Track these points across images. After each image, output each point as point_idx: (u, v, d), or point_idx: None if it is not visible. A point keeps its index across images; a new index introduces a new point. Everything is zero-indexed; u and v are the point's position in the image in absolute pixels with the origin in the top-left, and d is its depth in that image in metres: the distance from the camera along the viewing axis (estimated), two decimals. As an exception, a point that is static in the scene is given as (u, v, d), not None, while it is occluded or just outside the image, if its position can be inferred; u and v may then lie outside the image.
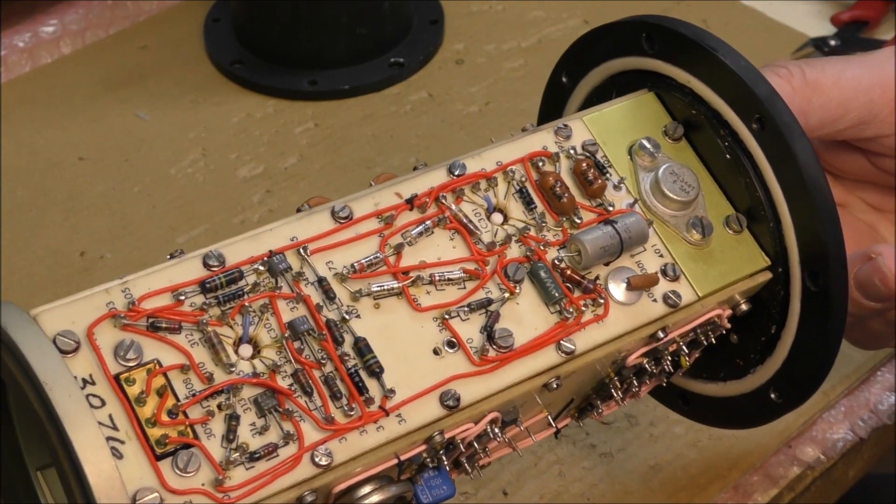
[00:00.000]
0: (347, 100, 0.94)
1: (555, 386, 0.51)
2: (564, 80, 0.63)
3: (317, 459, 0.46)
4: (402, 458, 0.48)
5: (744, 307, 0.56)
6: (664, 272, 0.54)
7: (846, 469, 0.72)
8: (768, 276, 0.55)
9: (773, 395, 0.57)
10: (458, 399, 0.49)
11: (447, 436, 0.49)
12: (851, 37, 0.96)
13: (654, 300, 0.53)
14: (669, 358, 0.56)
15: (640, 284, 0.53)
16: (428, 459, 0.50)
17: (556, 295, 0.52)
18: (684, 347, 0.55)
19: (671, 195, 0.55)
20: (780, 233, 0.54)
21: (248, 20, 0.98)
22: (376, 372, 0.49)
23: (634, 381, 0.56)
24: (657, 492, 0.69)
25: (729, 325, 0.56)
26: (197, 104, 0.95)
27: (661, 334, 0.53)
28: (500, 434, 0.51)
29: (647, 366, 0.55)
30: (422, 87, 0.95)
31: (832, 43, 0.95)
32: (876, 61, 0.61)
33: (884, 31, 0.98)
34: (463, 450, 0.51)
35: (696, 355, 0.58)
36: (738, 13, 1.00)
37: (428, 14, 1.00)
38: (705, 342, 0.56)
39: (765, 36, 0.98)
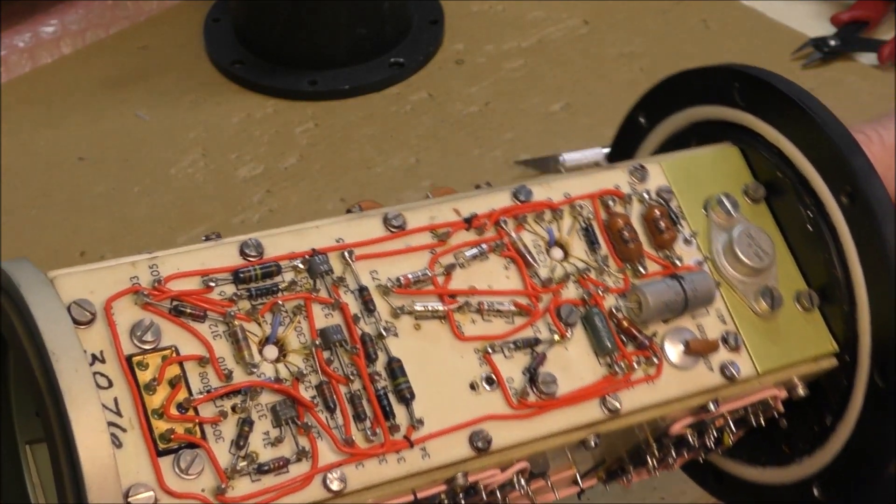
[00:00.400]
0: (347, 100, 0.94)
1: (593, 444, 0.48)
2: (642, 120, 0.59)
3: (329, 483, 0.43)
4: (420, 496, 0.45)
5: (801, 391, 0.52)
6: (725, 340, 0.50)
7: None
8: (833, 362, 0.52)
9: (816, 492, 0.52)
10: (489, 442, 0.46)
11: (471, 479, 0.46)
12: (851, 37, 0.96)
13: (711, 369, 0.50)
14: (714, 433, 0.52)
15: (699, 349, 0.50)
16: (446, 501, 0.46)
17: (609, 346, 0.48)
18: (731, 424, 0.52)
19: (744, 259, 0.51)
20: (853, 318, 0.51)
21: (248, 20, 0.98)
22: (406, 398, 0.45)
23: (672, 452, 0.52)
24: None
25: (782, 409, 0.52)
26: (197, 104, 0.95)
27: (712, 406, 0.50)
28: (525, 486, 0.48)
29: (689, 437, 0.52)
30: (422, 87, 0.95)
31: (832, 43, 0.95)
32: None
33: (884, 31, 0.98)
34: (484, 497, 0.48)
35: (741, 434, 0.55)
36: (738, 13, 1.00)
37: (428, 14, 1.00)
38: (754, 422, 0.53)
39: (765, 36, 0.98)
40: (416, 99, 0.94)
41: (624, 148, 0.60)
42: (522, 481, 0.48)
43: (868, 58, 0.95)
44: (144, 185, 0.88)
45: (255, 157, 0.90)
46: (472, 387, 0.47)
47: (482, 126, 0.92)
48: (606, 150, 0.87)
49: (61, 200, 0.87)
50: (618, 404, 0.48)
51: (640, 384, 0.49)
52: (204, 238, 0.47)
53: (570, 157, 0.86)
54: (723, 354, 0.50)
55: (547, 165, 0.87)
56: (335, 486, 0.44)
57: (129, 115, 0.94)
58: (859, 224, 0.50)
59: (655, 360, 0.49)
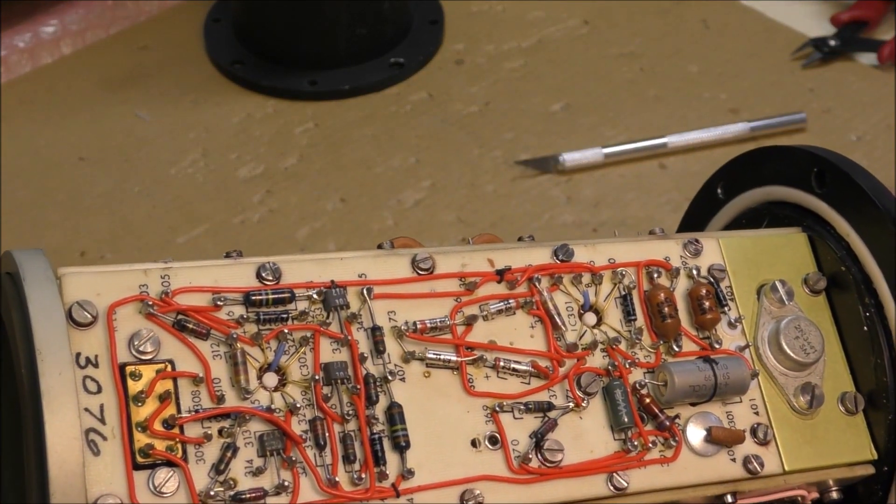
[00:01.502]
0: (347, 100, 0.94)
1: None
2: (719, 192, 0.57)
3: None
4: None
5: (834, 495, 0.50)
6: (754, 432, 0.49)
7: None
8: (870, 470, 0.50)
9: None
10: (481, 501, 0.44)
11: None
12: (851, 37, 0.96)
13: (734, 459, 0.48)
14: None
15: (722, 439, 0.47)
16: None
17: (626, 421, 0.47)
18: None
19: (789, 351, 0.49)
20: None
21: (248, 20, 0.98)
22: (401, 445, 0.44)
23: None
24: None
25: None
26: (197, 104, 0.94)
27: (729, 498, 0.48)
28: None
29: None
30: (422, 87, 0.95)
31: (832, 43, 0.95)
32: None
33: (883, 31, 0.98)
34: None
35: None
36: (738, 13, 1.00)
37: (428, 14, 1.00)
38: None
39: (765, 36, 0.98)
40: (416, 99, 0.94)
41: (697, 219, 0.58)
42: None
43: (868, 58, 0.95)
44: (144, 185, 0.88)
45: (255, 157, 0.90)
46: (474, 444, 0.45)
47: (482, 126, 0.92)
48: (606, 150, 0.87)
49: (61, 200, 0.87)
50: (625, 483, 0.46)
51: (653, 465, 0.47)
52: (224, 255, 0.46)
53: (570, 157, 0.86)
54: (749, 446, 0.48)
55: (547, 165, 0.87)
56: None
57: (129, 115, 0.94)
58: None
59: (674, 442, 0.47)
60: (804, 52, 0.95)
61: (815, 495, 0.50)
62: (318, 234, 0.83)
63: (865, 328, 0.50)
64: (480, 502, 0.44)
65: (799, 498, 0.50)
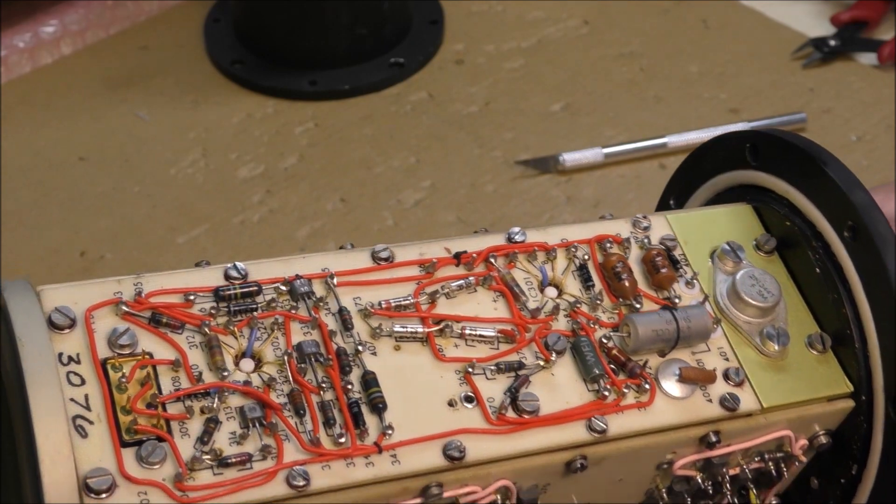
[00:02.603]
0: (347, 100, 0.94)
1: (579, 466, 0.47)
2: (672, 203, 0.60)
3: (292, 480, 0.43)
4: None
5: (822, 439, 0.51)
6: (726, 376, 0.49)
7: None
8: (850, 404, 0.51)
9: None
10: (462, 451, 0.45)
11: (448, 495, 0.45)
12: (851, 37, 0.96)
13: (710, 400, 0.49)
14: (730, 485, 0.51)
15: (692, 377, 0.48)
16: None
17: (596, 371, 0.47)
18: (748, 472, 0.50)
19: (747, 299, 0.51)
20: (865, 355, 0.50)
21: (248, 20, 0.98)
22: (378, 407, 0.45)
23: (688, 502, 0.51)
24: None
25: (804, 458, 0.51)
26: (197, 104, 0.95)
27: (713, 437, 0.49)
28: None
29: (702, 484, 0.50)
30: (422, 87, 0.95)
31: (832, 43, 0.95)
32: None
33: (883, 31, 0.98)
34: None
35: (775, 502, 0.53)
36: (738, 13, 1.00)
37: (428, 14, 1.00)
38: (774, 472, 0.51)
39: (765, 36, 0.98)
40: (416, 99, 0.94)
41: None
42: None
43: (868, 58, 0.95)
44: (144, 185, 0.88)
45: (255, 157, 0.90)
46: (451, 404, 0.46)
47: (482, 126, 0.92)
48: (606, 150, 0.87)
49: (61, 200, 0.87)
50: (604, 426, 0.47)
51: (630, 410, 0.48)
52: (195, 265, 0.48)
53: (570, 157, 0.86)
54: (723, 387, 0.49)
55: (547, 165, 0.87)
56: (299, 482, 0.43)
57: (129, 115, 0.94)
58: (862, 258, 0.50)
59: (647, 386, 0.48)
60: (804, 52, 0.95)
61: (803, 442, 0.51)
62: (318, 234, 0.83)
63: (818, 270, 0.52)
64: (463, 451, 0.45)
65: (787, 443, 0.50)
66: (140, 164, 0.90)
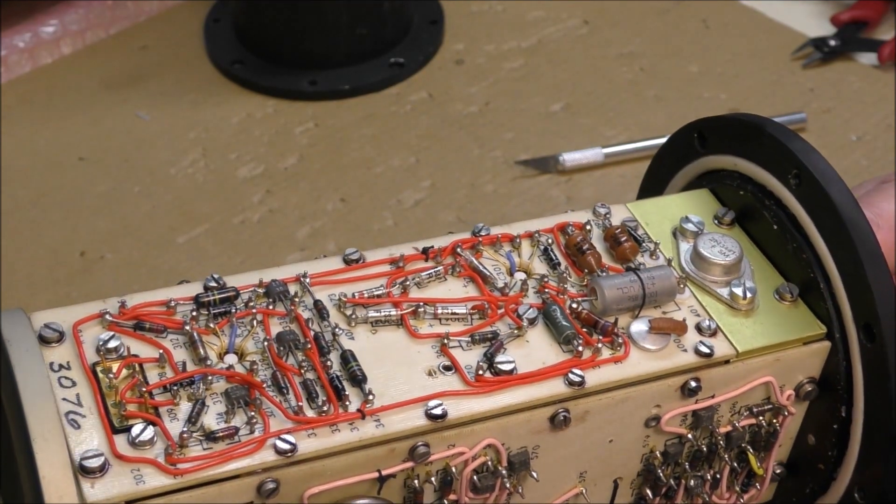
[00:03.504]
0: (347, 100, 0.94)
1: (562, 419, 0.47)
2: None
3: (279, 446, 0.44)
4: (385, 472, 0.45)
5: (808, 387, 0.52)
6: (699, 328, 0.50)
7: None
8: (826, 345, 0.51)
9: (857, 496, 0.52)
10: (444, 410, 0.46)
11: (437, 457, 0.46)
12: (851, 37, 0.96)
13: (685, 350, 0.50)
14: (726, 446, 0.51)
15: (663, 327, 0.49)
16: (419, 484, 0.46)
17: (569, 332, 0.48)
18: (741, 431, 0.51)
19: (710, 257, 0.52)
20: (831, 293, 0.51)
21: (248, 20, 0.98)
22: (358, 378, 0.46)
23: (688, 471, 0.51)
24: None
25: (793, 409, 0.52)
26: (197, 104, 0.95)
27: (692, 384, 0.49)
28: (504, 474, 0.47)
29: (694, 442, 0.51)
30: (422, 87, 0.95)
31: (832, 43, 0.95)
32: None
33: (883, 31, 0.98)
34: (465, 490, 0.47)
35: (778, 470, 0.53)
36: (738, 13, 1.00)
37: (428, 14, 1.00)
38: (767, 427, 0.52)
39: (765, 36, 0.98)
40: (416, 99, 0.94)
41: None
42: (503, 470, 0.47)
43: (868, 58, 0.95)
44: (144, 185, 0.88)
45: (255, 157, 0.90)
46: (429, 373, 0.47)
47: (482, 126, 0.92)
48: (606, 150, 0.87)
49: (61, 200, 0.87)
50: (581, 377, 0.47)
51: (606, 365, 0.49)
52: (178, 283, 0.50)
53: (570, 157, 0.86)
54: (696, 337, 0.50)
55: (547, 165, 0.87)
56: (285, 447, 0.44)
57: (129, 115, 0.94)
58: (810, 199, 0.51)
59: (620, 341, 0.49)
60: (804, 52, 0.95)
61: (789, 392, 0.51)
62: (318, 234, 0.83)
63: (775, 226, 0.53)
64: (444, 412, 0.46)
65: (770, 389, 0.51)
66: (140, 164, 0.90)
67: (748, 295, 0.51)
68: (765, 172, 0.53)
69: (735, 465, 0.53)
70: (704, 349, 0.49)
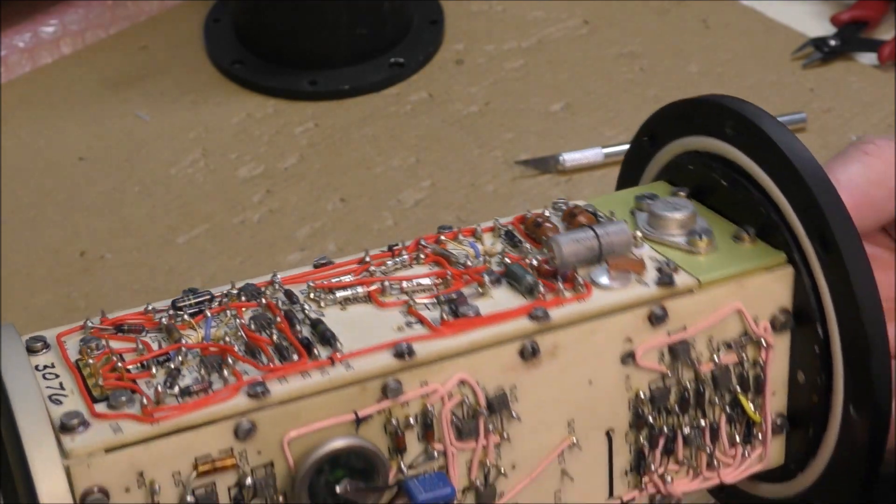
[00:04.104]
0: (347, 100, 0.94)
1: (531, 351, 0.48)
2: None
3: (252, 391, 0.45)
4: (361, 414, 0.46)
5: (781, 318, 0.52)
6: (660, 270, 0.51)
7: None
8: (790, 270, 0.52)
9: (853, 414, 0.52)
10: (411, 348, 0.46)
11: (409, 395, 0.46)
12: (851, 37, 0.96)
13: (646, 284, 0.50)
14: (715, 388, 0.51)
15: (622, 265, 0.50)
16: (400, 429, 0.47)
17: (530, 280, 0.49)
18: (724, 369, 0.51)
19: (664, 213, 0.53)
20: (784, 221, 0.52)
21: (248, 20, 0.98)
22: (328, 337, 0.47)
23: (680, 416, 0.51)
24: None
25: (770, 340, 0.52)
26: (197, 104, 0.95)
27: (659, 311, 0.50)
28: (484, 413, 0.47)
29: (669, 373, 0.51)
30: (422, 87, 0.95)
31: (832, 43, 0.95)
32: None
33: (884, 31, 0.98)
34: (449, 435, 0.48)
35: (779, 421, 0.53)
36: (738, 13, 1.00)
37: (428, 14, 1.00)
38: (749, 363, 0.52)
39: (765, 36, 0.98)
40: (416, 99, 0.94)
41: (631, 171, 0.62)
42: (483, 410, 0.48)
43: (868, 58, 0.95)
44: (144, 185, 0.88)
45: (255, 157, 0.90)
46: (398, 329, 0.48)
47: (482, 126, 0.92)
48: (606, 150, 0.87)
49: (61, 200, 0.87)
50: (546, 311, 0.48)
51: (570, 303, 0.49)
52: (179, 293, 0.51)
53: (570, 157, 0.86)
54: (657, 274, 0.51)
55: (547, 165, 0.87)
56: (258, 390, 0.45)
57: (129, 115, 0.94)
58: (745, 141, 0.52)
59: (581, 282, 0.49)
60: (804, 52, 0.95)
61: (764, 323, 0.52)
62: (318, 234, 0.83)
63: (724, 182, 0.54)
64: (412, 350, 0.46)
65: (742, 319, 0.51)
66: (140, 164, 0.90)
67: (705, 237, 0.52)
68: (707, 139, 0.54)
69: (729, 411, 0.52)
70: (666, 280, 0.50)
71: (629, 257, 0.51)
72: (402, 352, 0.46)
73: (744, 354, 0.52)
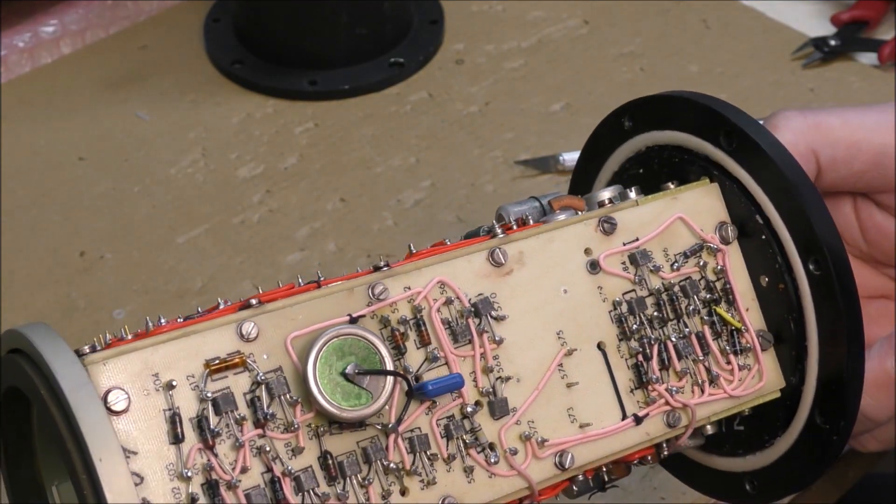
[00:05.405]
0: (347, 100, 0.94)
1: (500, 254, 0.50)
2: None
3: (249, 302, 0.47)
4: (354, 315, 0.48)
5: (729, 230, 0.54)
6: (600, 203, 0.54)
7: (846, 469, 0.72)
8: (714, 185, 0.54)
9: (810, 270, 0.53)
10: (388, 263, 0.49)
11: (395, 297, 0.48)
12: (851, 37, 0.96)
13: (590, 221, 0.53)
14: (683, 293, 0.53)
15: (564, 202, 0.53)
16: (399, 329, 0.49)
17: (485, 226, 0.52)
18: (688, 279, 0.53)
19: (594, 193, 0.55)
20: (707, 158, 0.55)
21: (248, 20, 0.98)
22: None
23: (667, 330, 0.52)
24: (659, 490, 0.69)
25: (720, 244, 0.53)
26: (197, 104, 0.95)
27: (607, 220, 0.52)
28: (471, 311, 0.49)
29: (643, 285, 0.53)
30: (422, 87, 0.95)
31: (832, 43, 0.95)
32: (882, 106, 0.60)
33: (884, 31, 0.98)
34: (444, 339, 0.49)
35: (769, 339, 0.54)
36: (738, 13, 1.00)
37: (428, 14, 1.00)
38: (716, 278, 0.53)
39: (765, 36, 0.98)
40: (416, 99, 0.94)
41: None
42: (470, 309, 0.50)
43: (868, 58, 0.95)
44: (144, 185, 0.88)
45: (255, 157, 0.90)
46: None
47: (482, 126, 0.92)
48: (606, 150, 0.87)
49: (61, 200, 0.87)
50: (503, 231, 0.52)
51: (525, 230, 0.52)
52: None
53: (570, 157, 0.86)
54: (598, 205, 0.54)
55: (547, 165, 0.87)
56: (253, 302, 0.47)
57: (129, 115, 0.94)
58: (697, 118, 0.56)
59: (532, 223, 0.53)
60: (804, 52, 0.95)
61: (711, 235, 0.54)
62: (318, 234, 0.83)
63: (679, 158, 0.56)
64: (388, 264, 0.49)
65: (686, 224, 0.54)
66: (140, 164, 0.90)
67: (640, 194, 0.55)
68: (687, 136, 0.57)
69: (709, 318, 0.53)
70: (607, 202, 0.54)
71: (568, 195, 0.54)
72: (379, 265, 0.49)
73: (702, 260, 0.54)
